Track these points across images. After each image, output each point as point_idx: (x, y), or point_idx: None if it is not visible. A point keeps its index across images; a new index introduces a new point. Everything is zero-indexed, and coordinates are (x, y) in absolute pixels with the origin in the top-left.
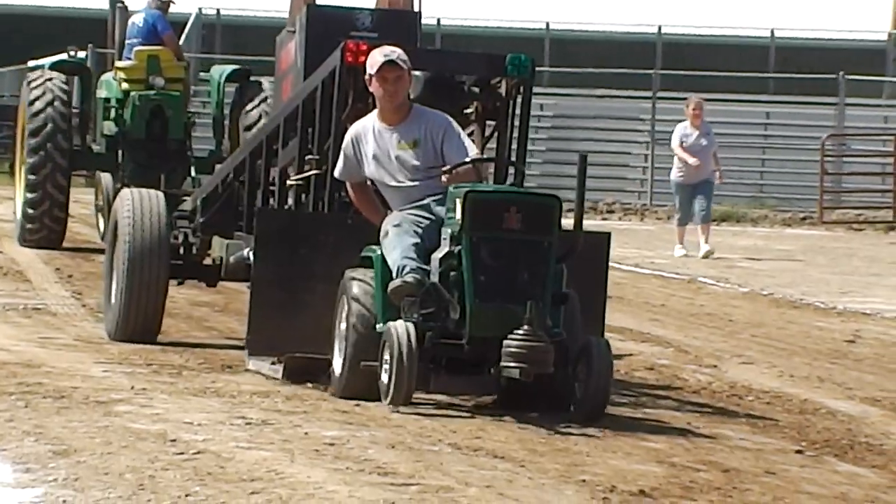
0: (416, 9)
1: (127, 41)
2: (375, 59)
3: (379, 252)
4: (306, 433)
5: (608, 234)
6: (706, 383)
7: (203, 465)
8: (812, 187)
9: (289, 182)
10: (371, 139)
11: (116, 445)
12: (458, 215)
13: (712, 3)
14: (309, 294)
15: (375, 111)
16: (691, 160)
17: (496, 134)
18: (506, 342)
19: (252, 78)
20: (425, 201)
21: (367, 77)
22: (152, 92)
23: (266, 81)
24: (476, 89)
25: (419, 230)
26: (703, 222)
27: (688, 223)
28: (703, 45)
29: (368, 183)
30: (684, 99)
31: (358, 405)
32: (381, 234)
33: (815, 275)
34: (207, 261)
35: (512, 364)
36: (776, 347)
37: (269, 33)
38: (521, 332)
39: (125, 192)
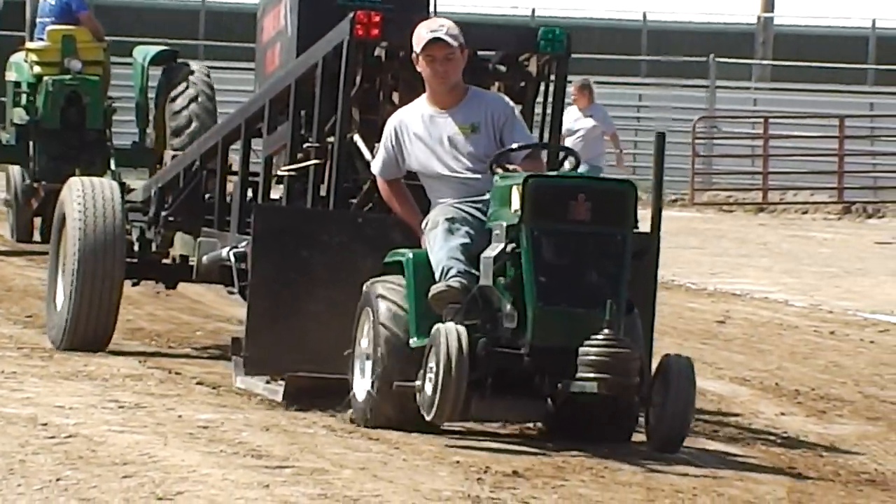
0: None
1: (38, 19)
2: (421, 35)
3: (411, 256)
4: (180, 416)
5: (658, 234)
6: None
7: (74, 449)
8: (683, 169)
9: (279, 172)
10: (420, 126)
11: None
12: (517, 205)
13: None
14: (314, 302)
15: (423, 95)
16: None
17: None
18: (583, 349)
19: (179, 60)
20: (485, 196)
21: (413, 56)
22: (68, 76)
23: (195, 64)
24: (502, 67)
25: (472, 231)
26: None
27: None
28: (577, 28)
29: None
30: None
31: (236, 391)
32: (429, 224)
33: (686, 256)
34: (164, 259)
35: (591, 375)
36: None
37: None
38: (600, 336)
39: (74, 180)
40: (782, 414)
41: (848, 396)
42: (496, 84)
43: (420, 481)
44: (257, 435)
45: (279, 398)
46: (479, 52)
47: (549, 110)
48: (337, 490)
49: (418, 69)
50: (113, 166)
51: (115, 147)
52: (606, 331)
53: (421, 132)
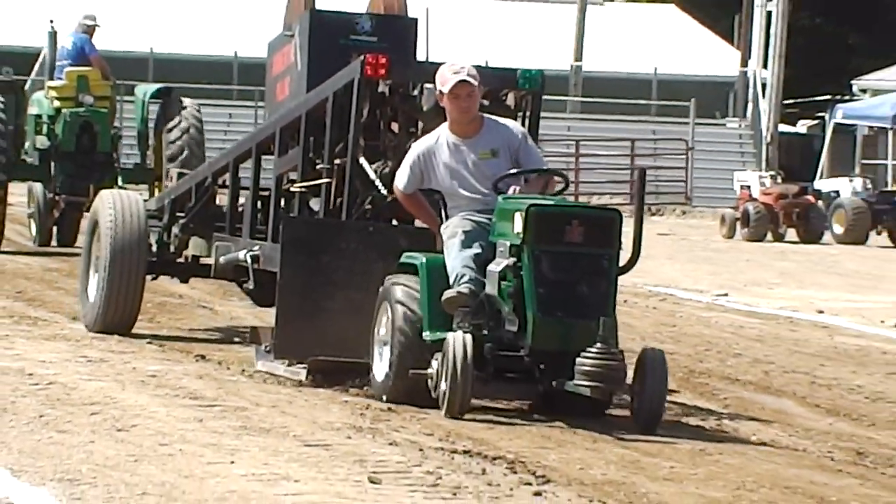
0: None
1: (58, 62)
2: (446, 77)
3: (424, 260)
4: (134, 368)
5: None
6: None
7: (53, 393)
8: None
9: (293, 188)
10: (446, 153)
11: None
12: (520, 228)
13: None
14: (333, 300)
15: (444, 125)
16: None
17: None
18: (579, 360)
19: (174, 95)
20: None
21: (437, 93)
22: (82, 109)
23: (187, 101)
24: (485, 101)
25: (484, 243)
26: None
27: None
28: None
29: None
30: None
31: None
32: (448, 233)
33: None
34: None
35: (586, 382)
36: None
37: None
38: (595, 349)
39: (105, 193)
40: None
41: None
42: None
43: (317, 416)
44: (193, 381)
45: (302, 378)
46: None
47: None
48: (254, 423)
49: (442, 104)
50: (120, 183)
51: (122, 167)
52: (600, 344)
53: (447, 159)
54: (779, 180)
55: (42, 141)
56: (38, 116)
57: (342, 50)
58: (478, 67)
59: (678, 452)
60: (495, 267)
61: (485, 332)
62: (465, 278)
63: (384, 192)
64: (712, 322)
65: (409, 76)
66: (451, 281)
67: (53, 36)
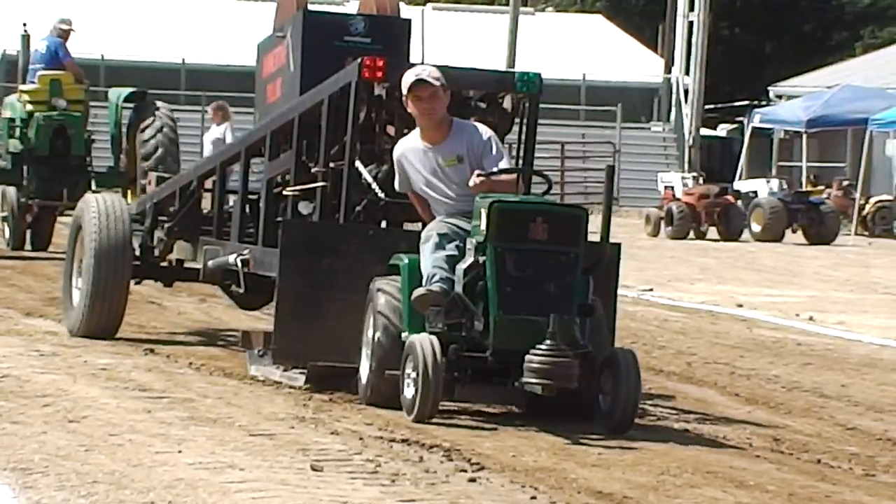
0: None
1: (31, 66)
2: (407, 78)
3: (406, 261)
4: (85, 361)
5: (619, 245)
6: None
7: (7, 386)
8: None
9: (286, 192)
10: (416, 158)
11: None
12: (484, 225)
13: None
14: (331, 303)
15: (418, 129)
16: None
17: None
18: (528, 357)
19: (147, 98)
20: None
21: (403, 98)
22: (55, 112)
23: (160, 102)
24: (482, 104)
25: (461, 244)
26: None
27: None
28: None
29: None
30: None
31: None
32: (424, 236)
33: None
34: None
35: (534, 380)
36: None
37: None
38: (543, 346)
39: (89, 196)
40: None
41: None
42: (473, 118)
43: (262, 406)
44: (142, 374)
45: (300, 384)
46: (463, 92)
47: (524, 139)
48: (201, 414)
49: (408, 109)
50: (94, 186)
51: (95, 171)
52: (549, 341)
53: (417, 164)
54: (701, 181)
55: (15, 144)
56: (12, 120)
57: (336, 51)
58: (475, 70)
59: (606, 440)
60: (462, 265)
61: (454, 332)
62: (436, 278)
63: (381, 195)
64: (638, 316)
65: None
66: (424, 282)
67: (26, 39)
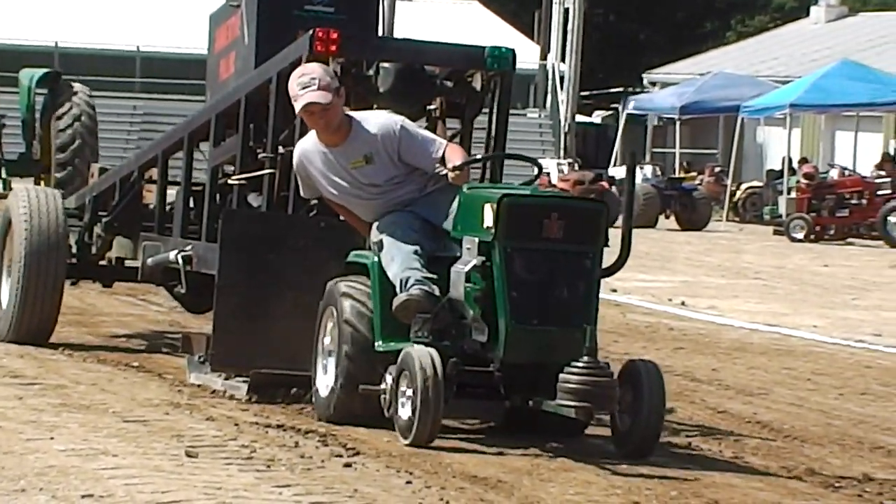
0: None
1: None
2: (295, 92)
3: (375, 259)
4: None
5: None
6: None
7: None
8: None
9: (231, 181)
10: (319, 162)
11: None
12: (490, 222)
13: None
14: (278, 303)
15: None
16: None
17: (461, 130)
18: (563, 376)
19: (63, 78)
20: (406, 202)
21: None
22: None
23: (77, 85)
24: (448, 83)
25: (415, 234)
26: None
27: None
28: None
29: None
30: None
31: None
32: (374, 244)
33: None
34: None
35: (571, 402)
36: None
37: None
38: (581, 363)
39: (20, 188)
40: None
41: None
42: (438, 100)
43: (136, 393)
44: (14, 360)
45: (242, 393)
46: (427, 67)
47: (495, 121)
48: (74, 400)
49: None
50: (3, 175)
51: (5, 158)
52: (587, 358)
53: (321, 168)
54: (576, 167)
55: None
56: None
57: (295, 22)
58: (441, 44)
59: (478, 422)
60: (462, 267)
61: (446, 342)
62: (412, 280)
63: None
64: None
65: (365, 53)
66: (398, 288)
67: None
